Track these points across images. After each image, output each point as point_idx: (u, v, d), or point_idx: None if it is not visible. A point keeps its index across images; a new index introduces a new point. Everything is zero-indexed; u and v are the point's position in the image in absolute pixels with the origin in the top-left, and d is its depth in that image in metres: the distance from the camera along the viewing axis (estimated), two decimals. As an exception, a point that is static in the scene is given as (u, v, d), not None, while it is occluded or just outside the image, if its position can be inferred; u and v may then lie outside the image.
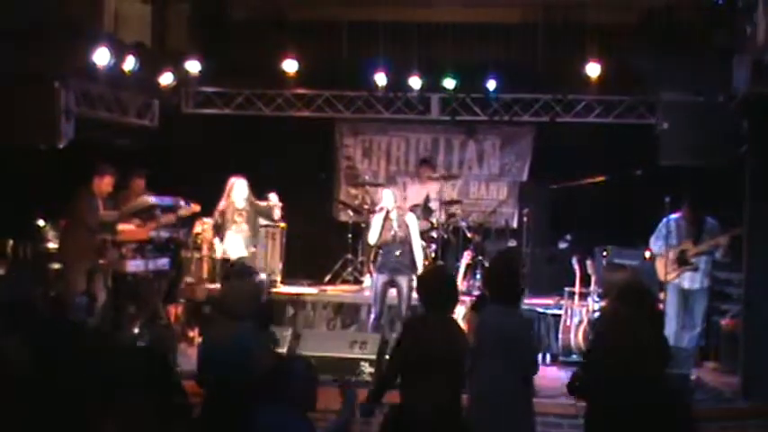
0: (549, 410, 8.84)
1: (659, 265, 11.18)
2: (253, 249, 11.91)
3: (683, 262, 11.12)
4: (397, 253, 10.97)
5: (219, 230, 11.80)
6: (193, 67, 13.35)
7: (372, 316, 11.33)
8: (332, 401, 6.01)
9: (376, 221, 11.17)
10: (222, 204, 11.72)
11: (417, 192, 13.85)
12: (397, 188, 13.33)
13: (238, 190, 11.65)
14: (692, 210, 11.18)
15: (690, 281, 11.18)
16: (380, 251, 11.26)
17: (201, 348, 6.85)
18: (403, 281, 11.00)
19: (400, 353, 6.39)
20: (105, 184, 11.18)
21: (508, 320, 6.44)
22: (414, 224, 11.25)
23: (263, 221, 12.61)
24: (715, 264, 11.26)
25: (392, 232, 10.99)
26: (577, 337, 11.27)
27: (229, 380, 6.13)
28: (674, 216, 11.20)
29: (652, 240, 11.38)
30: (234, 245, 11.71)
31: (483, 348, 6.38)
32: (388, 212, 11.03)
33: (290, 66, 13.65)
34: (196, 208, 12.01)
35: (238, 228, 11.74)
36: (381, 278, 11.12)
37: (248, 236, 11.80)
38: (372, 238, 11.19)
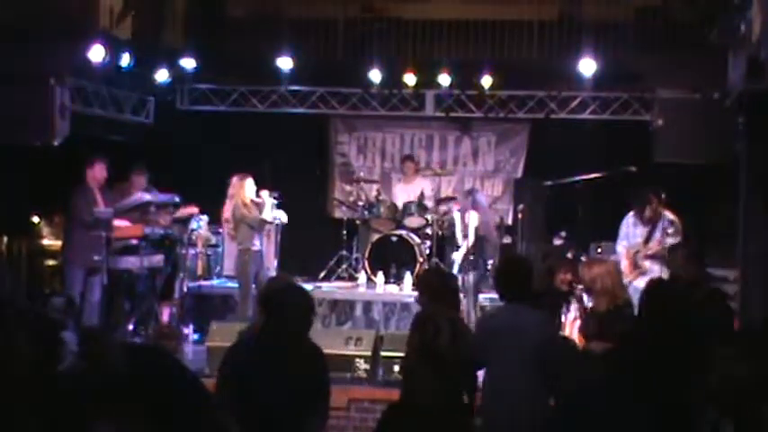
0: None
1: (622, 267, 10.33)
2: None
3: (635, 265, 10.63)
4: None
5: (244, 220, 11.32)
6: (189, 63, 13.36)
7: None
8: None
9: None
10: (236, 201, 11.33)
11: (411, 188, 13.85)
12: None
13: (249, 186, 11.38)
14: (643, 208, 10.68)
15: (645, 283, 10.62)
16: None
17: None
18: None
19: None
20: (97, 171, 11.05)
21: (524, 319, 6.41)
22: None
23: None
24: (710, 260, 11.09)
25: None
26: (572, 334, 11.25)
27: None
28: (630, 214, 10.87)
29: (617, 240, 11.00)
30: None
31: (495, 346, 6.34)
32: None
33: (285, 62, 13.64)
34: (193, 210, 11.97)
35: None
36: None
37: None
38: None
